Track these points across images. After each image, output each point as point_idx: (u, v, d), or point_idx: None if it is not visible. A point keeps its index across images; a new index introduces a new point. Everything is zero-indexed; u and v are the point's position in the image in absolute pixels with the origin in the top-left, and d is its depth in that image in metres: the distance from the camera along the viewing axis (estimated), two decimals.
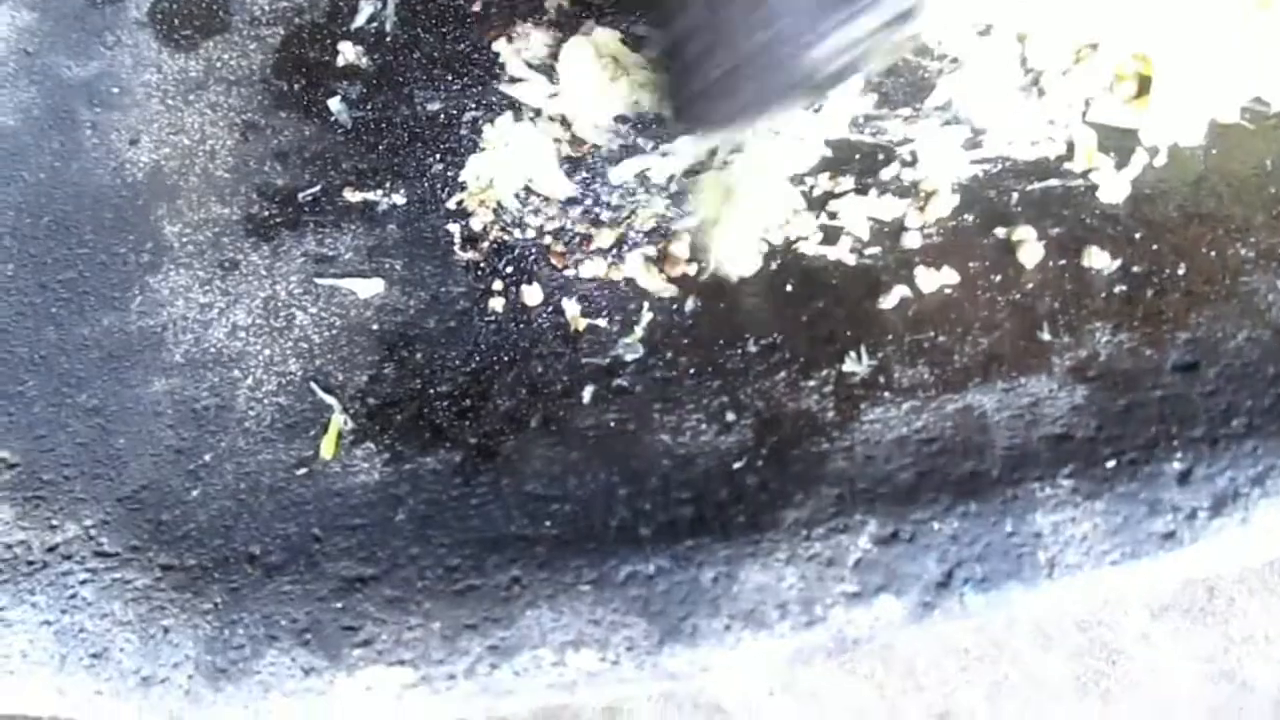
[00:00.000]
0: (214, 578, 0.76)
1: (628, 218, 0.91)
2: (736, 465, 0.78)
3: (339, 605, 0.74)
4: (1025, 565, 0.71)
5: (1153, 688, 1.08)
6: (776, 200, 0.89)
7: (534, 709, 0.75)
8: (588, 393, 0.83)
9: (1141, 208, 0.86)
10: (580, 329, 0.86)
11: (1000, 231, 0.86)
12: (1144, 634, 1.10)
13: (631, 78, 0.97)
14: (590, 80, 0.97)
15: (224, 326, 0.88)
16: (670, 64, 0.85)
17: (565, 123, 0.96)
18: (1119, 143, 0.89)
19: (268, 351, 0.87)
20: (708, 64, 0.79)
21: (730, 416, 0.80)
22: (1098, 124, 0.90)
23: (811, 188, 0.90)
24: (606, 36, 0.98)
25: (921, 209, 0.88)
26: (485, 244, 0.91)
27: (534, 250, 0.90)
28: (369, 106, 0.99)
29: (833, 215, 0.89)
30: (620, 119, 0.96)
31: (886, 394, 0.80)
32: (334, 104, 0.99)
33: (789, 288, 0.86)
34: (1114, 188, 0.87)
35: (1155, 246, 0.83)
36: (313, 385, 0.85)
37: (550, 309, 0.87)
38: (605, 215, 0.91)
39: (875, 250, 0.87)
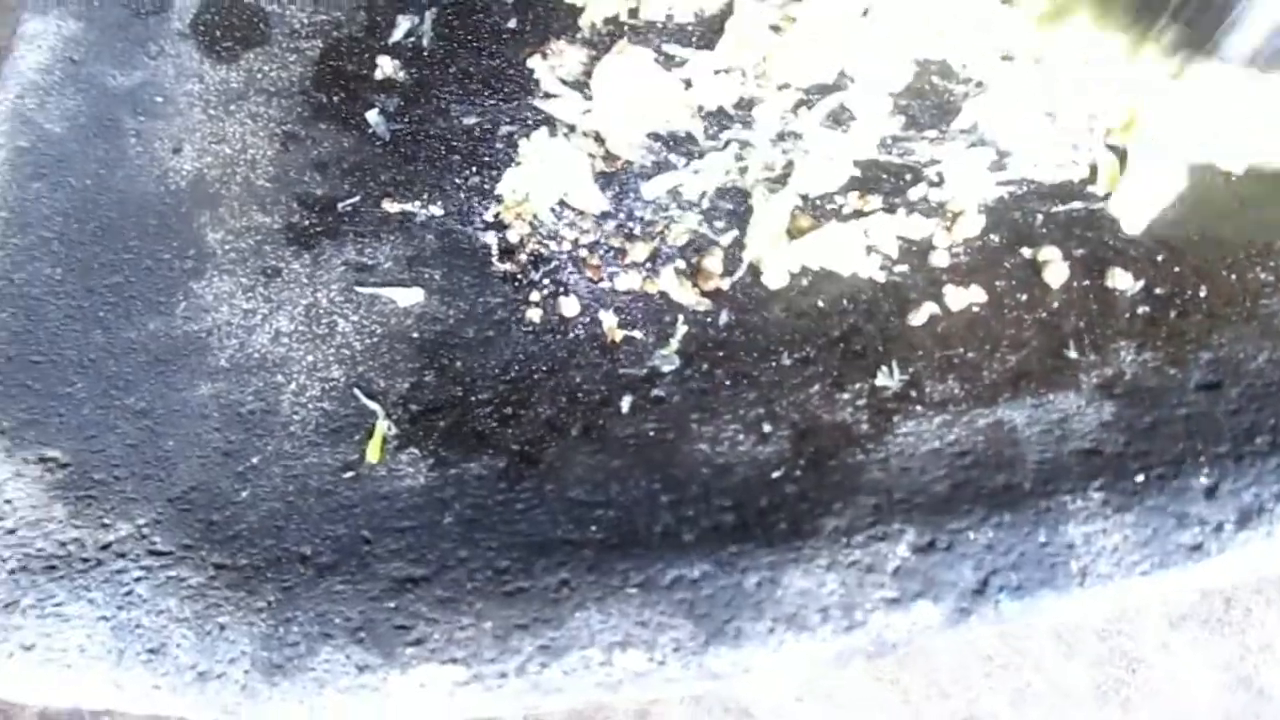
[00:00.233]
0: (267, 577, 0.78)
1: (661, 232, 0.93)
2: (775, 474, 0.80)
3: (391, 605, 0.76)
4: (1059, 574, 0.74)
5: (1172, 695, 1.11)
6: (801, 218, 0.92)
7: (569, 710, 0.77)
8: (626, 402, 0.85)
9: (1162, 231, 0.88)
10: (617, 340, 0.88)
11: (1026, 251, 0.89)
12: (1163, 643, 1.13)
13: (664, 96, 0.99)
14: (624, 97, 0.99)
15: (267, 332, 0.90)
16: None
17: (599, 139, 0.99)
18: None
19: (310, 357, 0.89)
20: None
21: (767, 427, 0.83)
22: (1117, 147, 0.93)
23: (841, 206, 0.93)
24: (640, 55, 1.01)
25: (949, 228, 0.91)
26: (522, 256, 0.93)
27: (570, 262, 0.92)
28: (406, 119, 1.01)
29: (863, 233, 0.91)
30: (653, 135, 0.98)
31: (919, 407, 0.82)
32: (372, 116, 1.01)
33: (820, 303, 0.88)
34: (1133, 212, 0.90)
35: (1177, 269, 0.86)
36: (356, 391, 0.87)
37: (587, 320, 0.90)
38: (639, 230, 0.93)
39: (904, 268, 0.89)
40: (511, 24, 1.06)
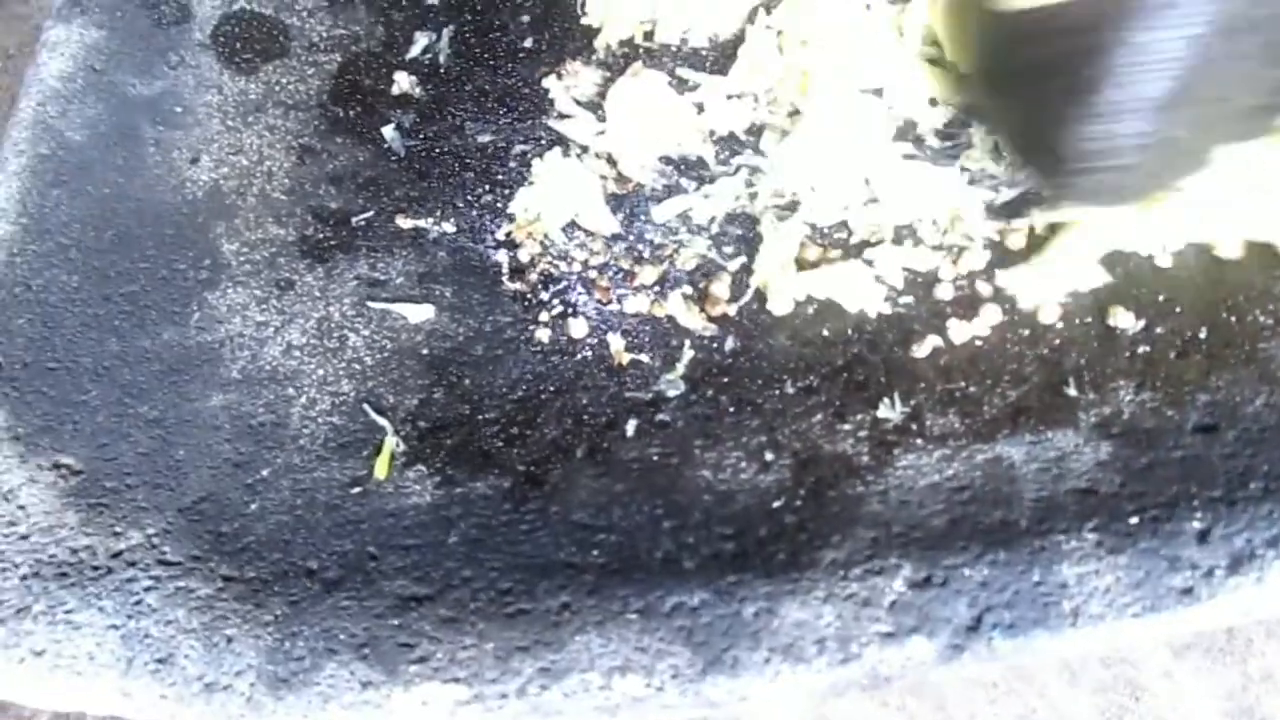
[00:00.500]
0: (274, 590, 0.80)
1: (670, 256, 0.94)
2: (775, 504, 0.82)
3: (396, 622, 0.78)
4: (1051, 614, 0.75)
5: None
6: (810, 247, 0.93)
7: None
8: (631, 426, 0.87)
9: (1164, 271, 0.90)
10: (624, 363, 0.90)
11: None
12: (1166, 671, 1.15)
13: (677, 120, 1.00)
14: (637, 120, 1.00)
15: (279, 345, 0.92)
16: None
17: (611, 160, 1.00)
18: None
19: (321, 371, 0.90)
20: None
21: (769, 456, 0.84)
22: None
23: (848, 236, 0.94)
24: (654, 78, 1.02)
25: (954, 261, 0.92)
26: (532, 275, 0.94)
27: (580, 283, 0.94)
28: (421, 135, 1.02)
29: (869, 264, 0.92)
30: (665, 159, 0.99)
31: (919, 441, 0.84)
32: (388, 131, 1.03)
33: (825, 332, 0.90)
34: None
35: (1178, 309, 0.87)
36: (365, 407, 0.88)
37: (595, 341, 0.91)
38: (648, 253, 0.95)
39: (909, 299, 0.91)
40: (528, 43, 1.07)
